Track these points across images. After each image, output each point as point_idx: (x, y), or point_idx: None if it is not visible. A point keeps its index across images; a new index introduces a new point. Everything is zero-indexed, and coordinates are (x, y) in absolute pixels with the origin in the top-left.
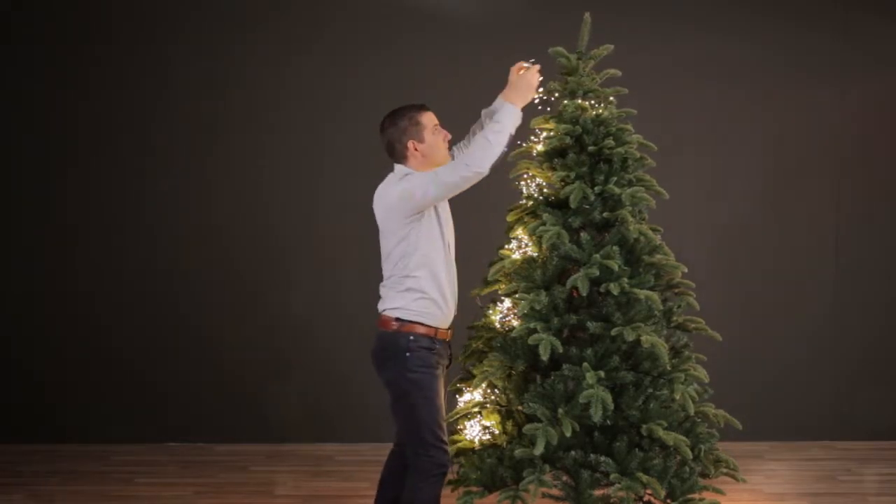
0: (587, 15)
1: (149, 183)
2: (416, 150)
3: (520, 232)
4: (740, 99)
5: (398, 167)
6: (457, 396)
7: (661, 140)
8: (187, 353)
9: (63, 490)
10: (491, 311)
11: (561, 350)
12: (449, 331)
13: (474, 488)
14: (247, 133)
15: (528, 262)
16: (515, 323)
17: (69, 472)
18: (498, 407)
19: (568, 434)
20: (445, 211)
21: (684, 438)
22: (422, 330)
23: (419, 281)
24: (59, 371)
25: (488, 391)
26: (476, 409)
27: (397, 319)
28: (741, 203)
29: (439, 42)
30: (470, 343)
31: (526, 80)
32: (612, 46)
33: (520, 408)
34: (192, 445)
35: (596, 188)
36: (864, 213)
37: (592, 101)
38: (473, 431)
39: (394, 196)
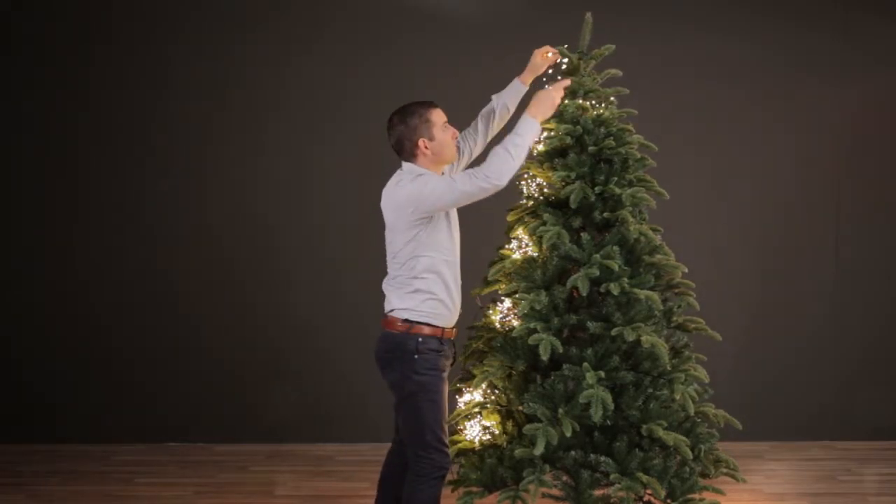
0: (588, 15)
1: (149, 183)
2: (426, 148)
3: (520, 232)
4: (740, 99)
5: (407, 165)
6: (457, 397)
7: (662, 140)
8: (187, 353)
9: (63, 490)
10: (491, 311)
11: (561, 350)
12: (454, 329)
13: (474, 488)
14: (247, 133)
15: (529, 262)
16: (515, 323)
17: (69, 472)
18: (498, 407)
19: (568, 434)
20: (453, 210)
21: (684, 438)
22: (429, 331)
23: (428, 283)
24: (59, 371)
25: (488, 391)
26: (476, 410)
27: (405, 321)
28: (741, 203)
29: (439, 42)
30: (470, 343)
31: (549, 96)
32: (613, 47)
33: (520, 408)
34: (192, 445)
35: (596, 188)
36: (864, 213)
37: (593, 102)
38: (473, 431)
39: (405, 196)
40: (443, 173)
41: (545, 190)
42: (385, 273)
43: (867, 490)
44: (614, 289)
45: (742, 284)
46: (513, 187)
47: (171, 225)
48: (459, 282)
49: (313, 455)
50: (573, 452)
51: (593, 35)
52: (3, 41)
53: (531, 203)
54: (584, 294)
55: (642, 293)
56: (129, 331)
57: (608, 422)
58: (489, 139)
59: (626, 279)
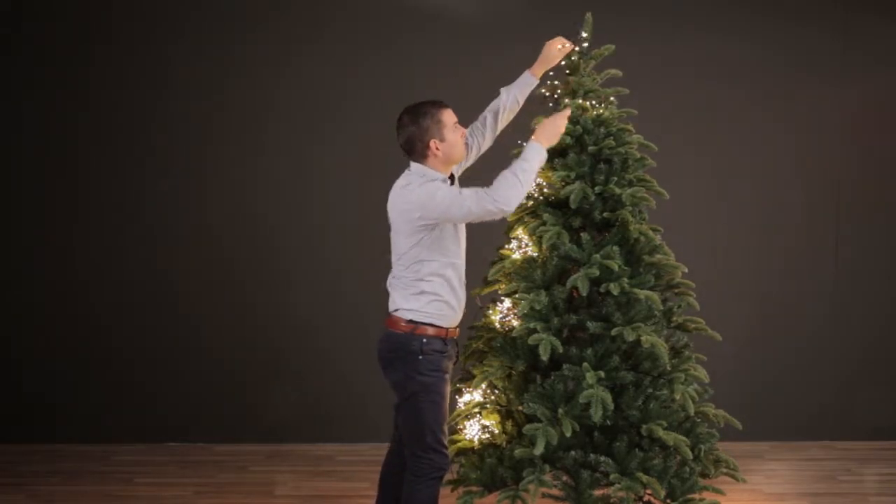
0: (588, 15)
1: (149, 183)
2: (437, 149)
3: (520, 232)
4: (740, 99)
5: (416, 166)
6: (457, 397)
7: (662, 140)
8: (187, 353)
9: (63, 490)
10: (491, 311)
11: (561, 350)
12: (457, 329)
13: (474, 488)
14: (246, 133)
15: (529, 262)
16: (515, 323)
17: (69, 472)
18: (498, 407)
19: (568, 434)
20: None
21: (684, 438)
22: (433, 331)
23: (433, 285)
24: (60, 371)
25: (488, 391)
26: (476, 410)
27: (410, 321)
28: (741, 203)
29: (439, 42)
30: (470, 343)
31: (554, 124)
32: (613, 47)
33: (520, 408)
34: (192, 445)
35: (596, 188)
36: (864, 213)
37: (593, 101)
38: (473, 431)
39: (413, 201)
40: (451, 173)
41: (545, 190)
42: (387, 272)
43: (867, 490)
44: (614, 289)
45: (742, 284)
46: None
47: (171, 225)
48: (464, 280)
49: (313, 455)
50: (573, 452)
51: (593, 35)
52: (3, 41)
53: (531, 203)
54: (584, 294)
55: (642, 293)
56: (129, 331)
57: (608, 422)
58: (498, 133)
59: (625, 279)
